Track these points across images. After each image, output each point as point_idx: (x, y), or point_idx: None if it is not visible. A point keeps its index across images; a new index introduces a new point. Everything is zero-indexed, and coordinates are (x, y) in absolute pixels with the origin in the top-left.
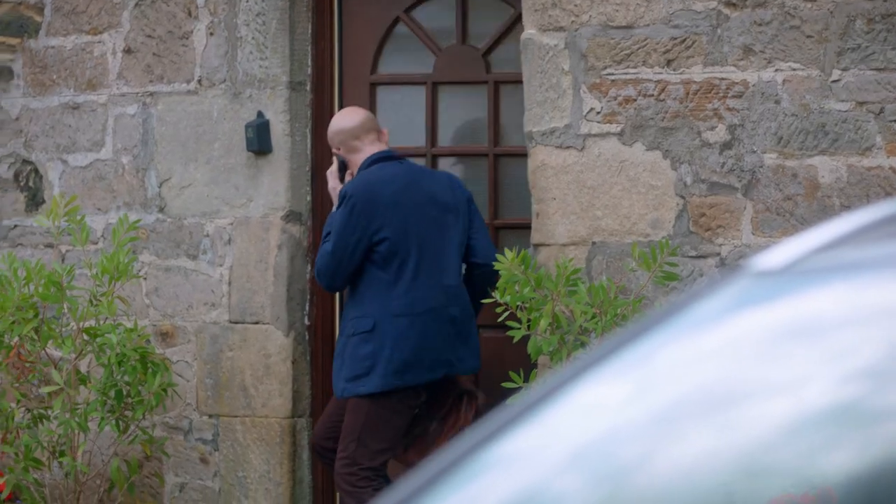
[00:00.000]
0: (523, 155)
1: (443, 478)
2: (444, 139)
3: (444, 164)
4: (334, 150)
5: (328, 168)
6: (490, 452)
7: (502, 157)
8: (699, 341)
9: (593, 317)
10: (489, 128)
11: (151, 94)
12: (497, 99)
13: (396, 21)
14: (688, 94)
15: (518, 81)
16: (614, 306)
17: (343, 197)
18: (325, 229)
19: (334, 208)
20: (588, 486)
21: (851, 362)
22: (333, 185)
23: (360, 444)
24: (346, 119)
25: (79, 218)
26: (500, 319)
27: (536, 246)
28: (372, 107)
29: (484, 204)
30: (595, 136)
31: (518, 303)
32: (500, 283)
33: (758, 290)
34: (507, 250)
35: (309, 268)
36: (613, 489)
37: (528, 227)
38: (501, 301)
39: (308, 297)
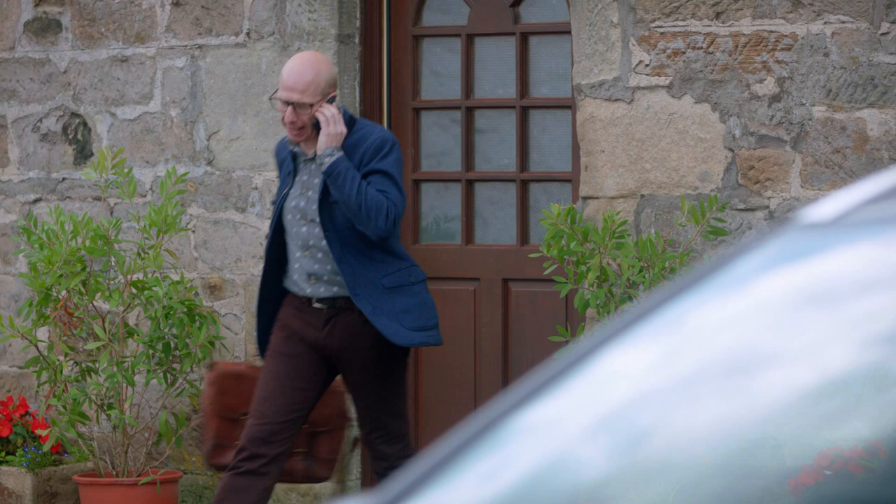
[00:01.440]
0: (553, 106)
1: (470, 445)
2: (481, 91)
3: (480, 116)
4: (330, 95)
5: (324, 111)
6: (516, 420)
7: (530, 108)
8: (737, 300)
9: (641, 270)
10: (517, 79)
11: (200, 46)
12: (525, 49)
13: None
14: (736, 46)
15: (546, 32)
16: (662, 259)
17: (386, 142)
18: (371, 175)
19: (331, 151)
20: (610, 454)
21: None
22: (341, 129)
23: (403, 412)
24: (330, 67)
25: (126, 171)
26: (545, 273)
27: (585, 198)
28: (416, 59)
29: (512, 156)
30: (644, 88)
31: (565, 257)
32: (546, 237)
33: (805, 242)
34: (552, 205)
35: None
36: (634, 457)
37: (557, 180)
38: (548, 255)
39: None
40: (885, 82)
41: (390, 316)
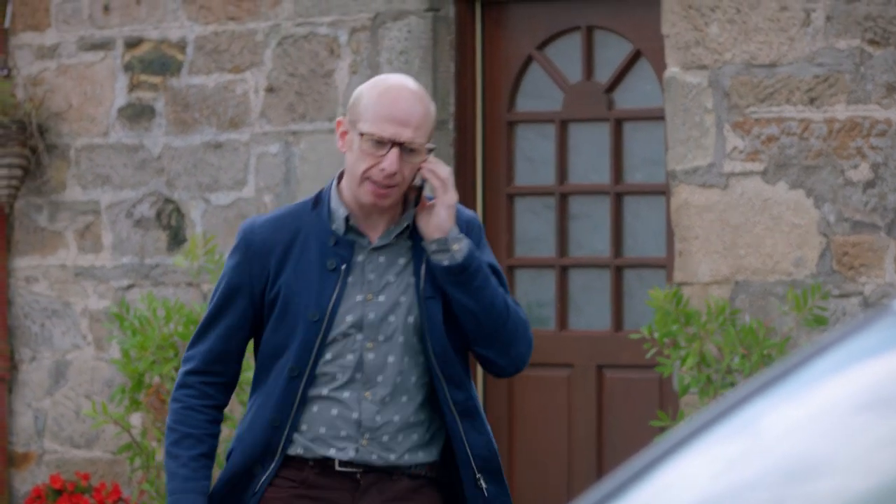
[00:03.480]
0: (647, 192)
1: None
2: (574, 176)
3: (574, 202)
4: (427, 146)
5: (437, 169)
6: None
7: (624, 194)
8: (826, 392)
9: (742, 357)
10: (612, 164)
11: (294, 132)
12: (619, 135)
13: (530, 59)
14: (831, 132)
15: (640, 118)
16: (762, 346)
17: (476, 222)
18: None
19: (458, 233)
20: None
21: None
22: (455, 197)
23: None
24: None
25: (217, 257)
26: (648, 356)
27: (679, 284)
28: (510, 145)
29: (605, 242)
30: (738, 174)
31: (665, 339)
32: (655, 320)
33: None
34: (656, 288)
35: None
36: None
37: (650, 265)
38: (649, 336)
39: None
40: None
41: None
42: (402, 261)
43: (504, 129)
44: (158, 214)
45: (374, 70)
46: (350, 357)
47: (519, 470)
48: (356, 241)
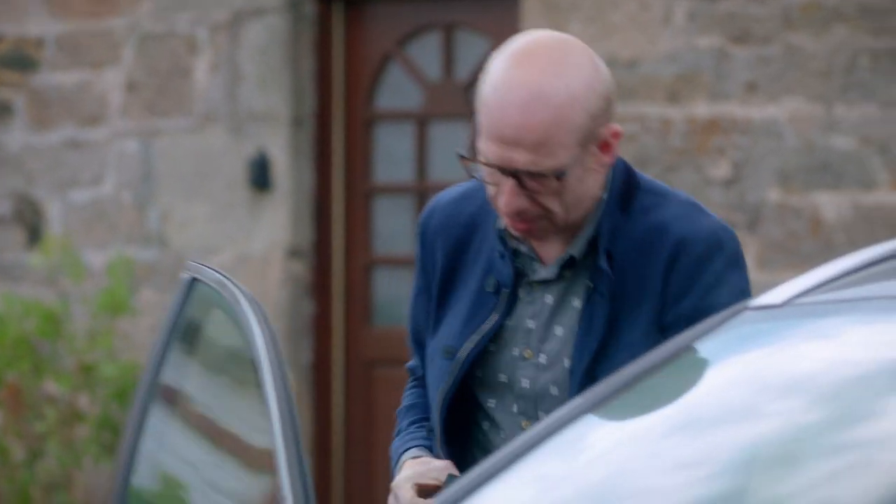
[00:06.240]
0: None
1: None
2: (435, 174)
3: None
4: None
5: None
6: None
7: None
8: (652, 409)
9: None
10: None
11: (153, 130)
12: None
13: (390, 57)
14: (691, 130)
15: None
16: None
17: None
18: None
19: None
20: None
21: (837, 406)
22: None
23: None
24: (595, 73)
25: (74, 255)
26: None
27: None
28: (369, 142)
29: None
30: None
31: None
32: None
33: (755, 327)
34: None
35: (312, 305)
36: None
37: None
38: None
39: (309, 334)
40: (841, 166)
41: None
42: (576, 303)
43: (364, 126)
44: (16, 212)
45: (233, 67)
46: (513, 394)
47: (380, 470)
48: (524, 260)
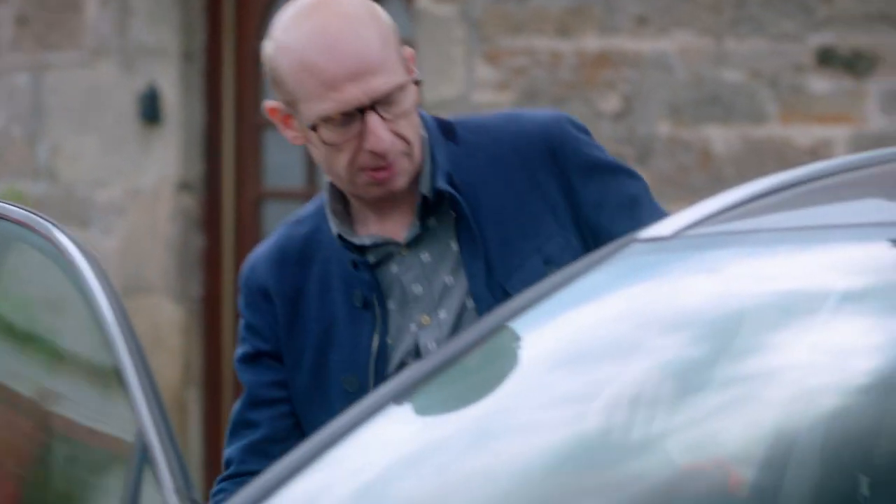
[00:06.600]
0: None
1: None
2: None
3: None
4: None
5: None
6: (280, 496)
7: None
8: (540, 340)
9: None
10: None
11: (43, 64)
12: None
13: None
14: (581, 63)
15: None
16: None
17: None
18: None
19: None
20: None
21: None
22: None
23: None
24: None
25: None
26: None
27: None
28: (258, 77)
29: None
30: (487, 105)
31: None
32: None
33: (643, 259)
34: None
35: (202, 238)
36: None
37: None
38: None
39: (200, 268)
40: (730, 99)
41: None
42: (453, 245)
43: (254, 61)
44: None
45: (124, 3)
46: None
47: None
48: (381, 248)
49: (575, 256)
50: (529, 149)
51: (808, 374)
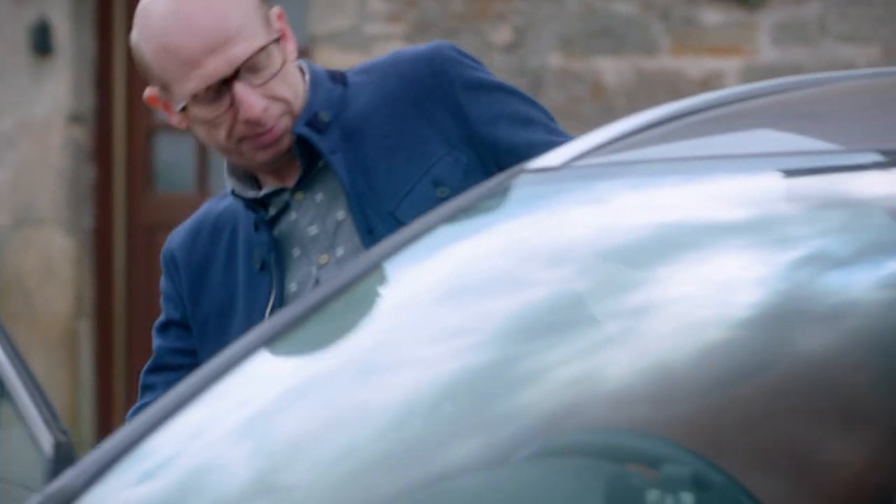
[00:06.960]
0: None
1: (121, 458)
2: None
3: None
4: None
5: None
6: (166, 430)
7: None
8: (426, 273)
9: None
10: None
11: None
12: None
13: None
14: None
15: None
16: None
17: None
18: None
19: None
20: (250, 457)
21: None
22: None
23: None
24: None
25: None
26: None
27: None
28: None
29: None
30: (380, 37)
31: None
32: None
33: (532, 189)
34: None
35: (93, 170)
36: (271, 460)
37: None
38: None
39: (91, 200)
40: (622, 31)
41: None
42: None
43: None
44: None
45: None
46: None
47: None
48: (279, 198)
49: (467, 174)
50: (413, 77)
51: (693, 306)
